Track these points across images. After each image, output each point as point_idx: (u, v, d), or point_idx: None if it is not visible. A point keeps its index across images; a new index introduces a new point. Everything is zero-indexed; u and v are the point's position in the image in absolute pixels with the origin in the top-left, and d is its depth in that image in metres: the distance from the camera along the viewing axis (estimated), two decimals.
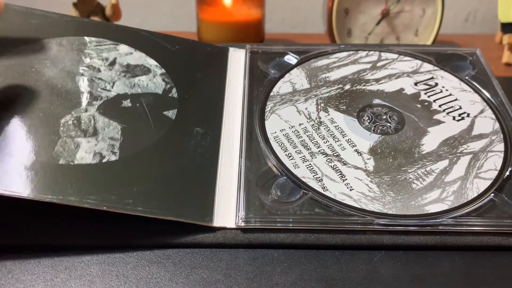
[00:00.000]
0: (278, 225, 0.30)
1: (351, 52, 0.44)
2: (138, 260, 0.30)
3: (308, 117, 0.37)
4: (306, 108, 0.38)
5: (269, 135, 0.36)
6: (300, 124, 0.37)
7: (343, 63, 0.43)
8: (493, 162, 0.34)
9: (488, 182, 0.33)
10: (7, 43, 0.37)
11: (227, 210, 0.31)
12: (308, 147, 0.35)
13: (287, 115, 0.37)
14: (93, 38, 0.39)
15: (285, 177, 0.33)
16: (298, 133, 0.36)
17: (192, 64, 0.40)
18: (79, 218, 0.31)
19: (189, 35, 0.58)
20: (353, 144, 0.35)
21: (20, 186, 0.29)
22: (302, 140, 0.35)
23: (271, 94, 0.39)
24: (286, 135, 0.36)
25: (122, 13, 0.56)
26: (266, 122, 0.37)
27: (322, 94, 0.39)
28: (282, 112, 0.38)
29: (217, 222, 0.31)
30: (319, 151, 0.35)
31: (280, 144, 0.35)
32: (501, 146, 0.36)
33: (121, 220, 0.30)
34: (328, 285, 0.28)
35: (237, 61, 0.42)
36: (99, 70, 0.37)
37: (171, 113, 0.36)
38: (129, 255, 0.30)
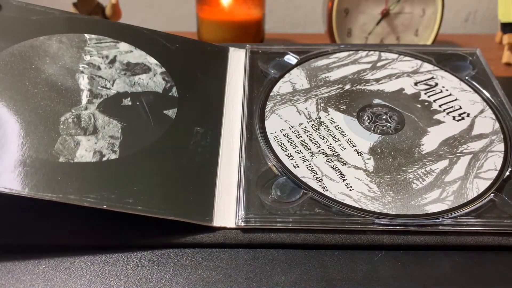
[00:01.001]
0: (278, 225, 0.30)
1: (351, 52, 0.44)
2: (138, 260, 0.30)
3: (308, 117, 0.37)
4: (306, 108, 0.38)
5: (269, 135, 0.36)
6: (300, 124, 0.37)
7: (343, 63, 0.43)
8: (493, 162, 0.34)
9: (488, 182, 0.33)
10: (7, 39, 0.36)
11: (227, 210, 0.31)
12: (308, 147, 0.35)
13: (287, 115, 0.37)
14: (93, 36, 0.39)
15: (285, 177, 0.33)
16: (298, 133, 0.36)
17: (192, 63, 0.40)
18: (79, 218, 0.31)
19: (189, 35, 0.58)
20: (353, 144, 0.35)
21: (19, 184, 0.29)
22: (302, 140, 0.35)
23: (271, 94, 0.39)
24: (286, 135, 0.36)
25: (122, 13, 0.56)
26: (266, 122, 0.37)
27: (322, 94, 0.39)
28: (282, 112, 0.38)
29: (217, 222, 0.31)
30: (319, 151, 0.35)
31: (280, 144, 0.35)
32: (501, 146, 0.36)
33: (121, 220, 0.30)
34: (328, 285, 0.28)
35: (237, 61, 0.42)
36: (99, 68, 0.37)
37: (171, 112, 0.36)
38: (129, 255, 0.30)
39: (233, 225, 0.31)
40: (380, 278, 0.29)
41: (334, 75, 0.41)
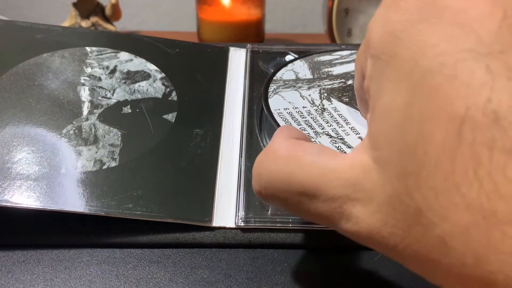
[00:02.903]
0: (277, 225, 0.30)
1: (353, 51, 0.44)
2: (138, 260, 0.30)
3: (312, 103, 0.37)
4: (310, 95, 0.38)
5: (273, 111, 0.35)
6: (303, 107, 0.37)
7: (345, 60, 0.43)
8: None
9: None
10: (13, 59, 0.38)
11: (227, 210, 0.31)
12: (313, 126, 0.35)
13: (290, 97, 0.37)
14: (94, 48, 0.40)
15: None
16: (302, 114, 0.36)
17: (192, 66, 0.41)
18: (79, 218, 0.31)
19: (189, 35, 0.58)
20: (357, 132, 0.35)
21: (22, 197, 0.30)
22: (306, 120, 0.35)
23: (274, 78, 0.39)
24: (290, 113, 0.36)
25: (122, 13, 0.56)
26: (269, 100, 0.36)
27: (325, 85, 0.39)
28: (285, 94, 0.38)
29: (217, 222, 0.31)
30: (323, 132, 0.34)
31: (284, 119, 0.35)
32: None
33: (121, 220, 0.30)
34: (328, 285, 0.28)
35: (238, 60, 0.43)
36: (99, 79, 0.38)
37: (171, 116, 0.36)
38: (129, 255, 0.30)
39: (232, 225, 0.31)
40: (380, 278, 0.29)
41: (337, 70, 0.41)
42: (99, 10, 0.54)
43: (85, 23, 0.53)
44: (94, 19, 0.53)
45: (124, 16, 0.56)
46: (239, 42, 0.52)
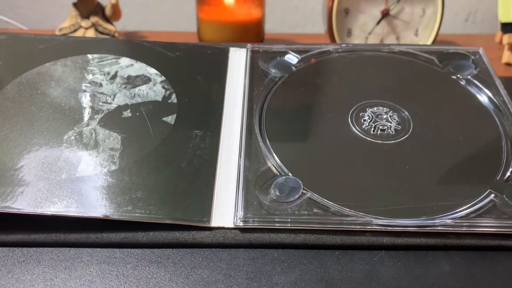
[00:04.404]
0: (276, 225, 0.30)
1: None
2: (138, 260, 0.30)
3: None
4: None
5: None
6: None
7: None
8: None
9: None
10: (17, 70, 0.39)
11: (226, 210, 0.31)
12: None
13: None
14: (95, 55, 0.41)
15: (284, 177, 0.33)
16: None
17: (192, 68, 0.41)
18: (79, 218, 0.31)
19: (189, 35, 0.58)
20: None
21: (22, 203, 0.30)
22: None
23: None
24: None
25: (122, 13, 0.56)
26: None
27: None
28: None
29: (215, 222, 0.31)
30: None
31: None
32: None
33: (122, 221, 0.30)
34: (328, 285, 0.28)
35: (238, 60, 0.42)
36: (100, 85, 0.38)
37: (170, 119, 0.36)
38: (129, 255, 0.30)
39: (231, 225, 0.31)
40: (380, 278, 0.29)
41: None
42: (99, 10, 0.54)
43: (85, 23, 0.53)
44: (94, 19, 0.53)
45: (124, 16, 0.56)
46: (239, 42, 0.52)
